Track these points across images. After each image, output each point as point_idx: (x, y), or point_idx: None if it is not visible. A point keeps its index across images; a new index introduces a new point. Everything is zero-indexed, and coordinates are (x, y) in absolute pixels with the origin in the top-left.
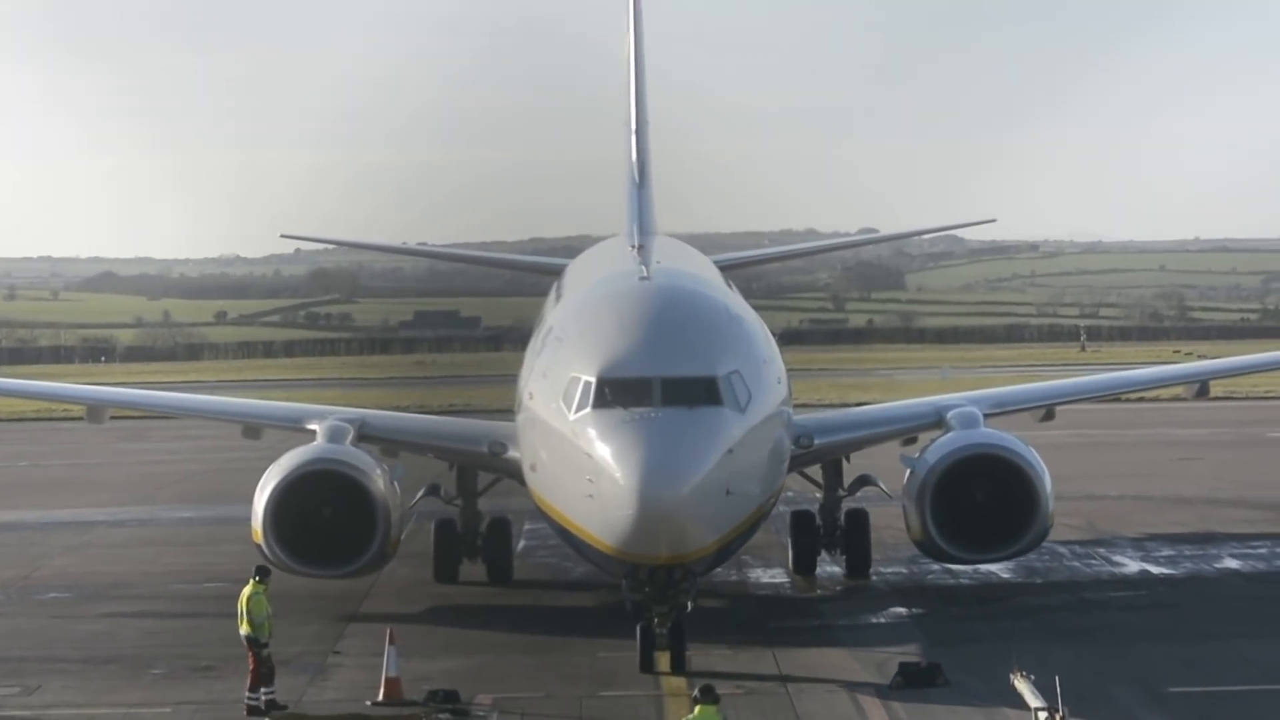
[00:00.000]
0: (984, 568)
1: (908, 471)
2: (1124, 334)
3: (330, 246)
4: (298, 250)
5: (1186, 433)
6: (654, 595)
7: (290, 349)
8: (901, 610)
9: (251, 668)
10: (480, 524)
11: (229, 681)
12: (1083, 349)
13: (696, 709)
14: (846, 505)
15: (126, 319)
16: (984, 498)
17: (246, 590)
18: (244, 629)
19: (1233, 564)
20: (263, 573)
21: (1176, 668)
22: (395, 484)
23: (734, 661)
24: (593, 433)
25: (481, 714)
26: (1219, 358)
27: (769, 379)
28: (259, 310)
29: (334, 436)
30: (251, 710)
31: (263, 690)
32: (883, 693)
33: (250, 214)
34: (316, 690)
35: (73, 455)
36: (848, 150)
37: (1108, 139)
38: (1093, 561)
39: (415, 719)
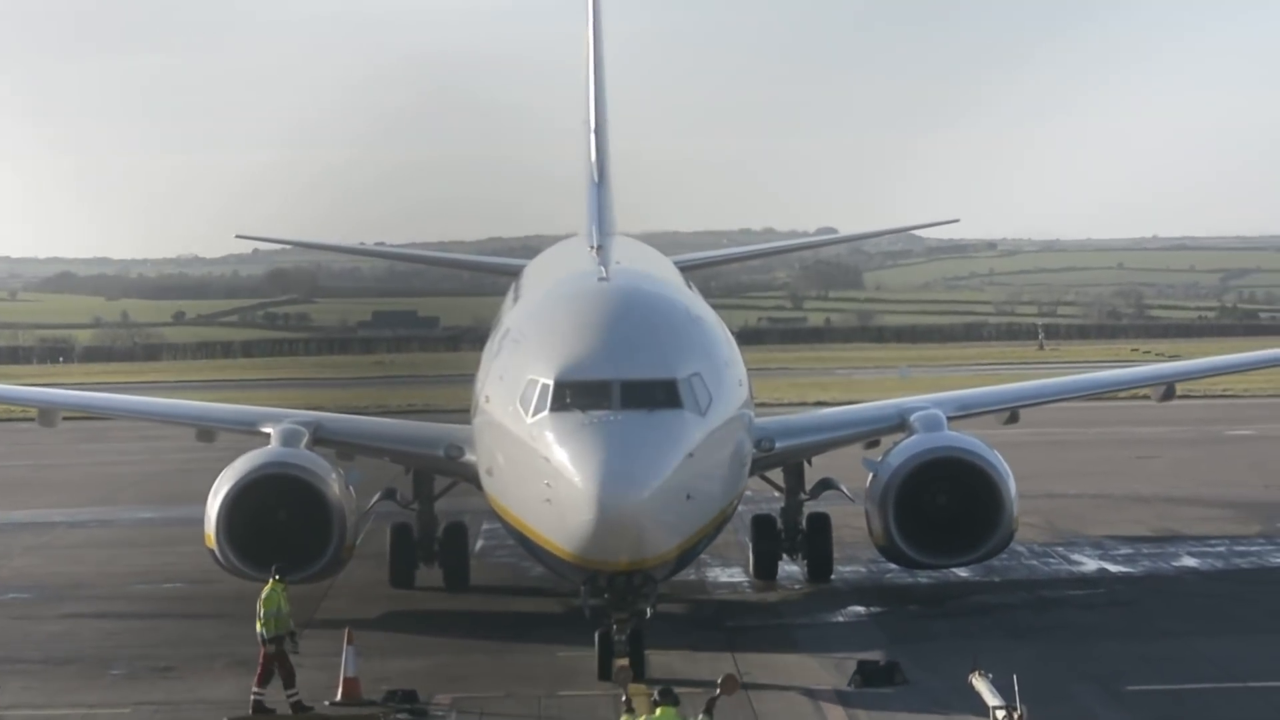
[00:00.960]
0: None
1: (870, 475)
2: (1082, 332)
3: (289, 247)
4: (256, 250)
5: (1145, 431)
6: (613, 602)
7: (249, 349)
8: (860, 609)
9: (260, 665)
10: (437, 529)
11: (188, 682)
12: (1041, 347)
13: (657, 711)
14: (808, 509)
15: (85, 319)
16: (948, 502)
17: (267, 590)
18: (259, 626)
19: (1191, 562)
20: (281, 571)
21: (1135, 665)
22: (350, 488)
23: (692, 661)
24: (550, 436)
25: (440, 714)
26: (1178, 355)
27: (730, 381)
28: (217, 310)
29: (288, 440)
30: (257, 707)
31: (286, 692)
32: (841, 692)
33: (208, 214)
34: (275, 689)
35: (31, 456)
36: (805, 149)
37: (1066, 137)
38: (1051, 560)
39: (374, 719)
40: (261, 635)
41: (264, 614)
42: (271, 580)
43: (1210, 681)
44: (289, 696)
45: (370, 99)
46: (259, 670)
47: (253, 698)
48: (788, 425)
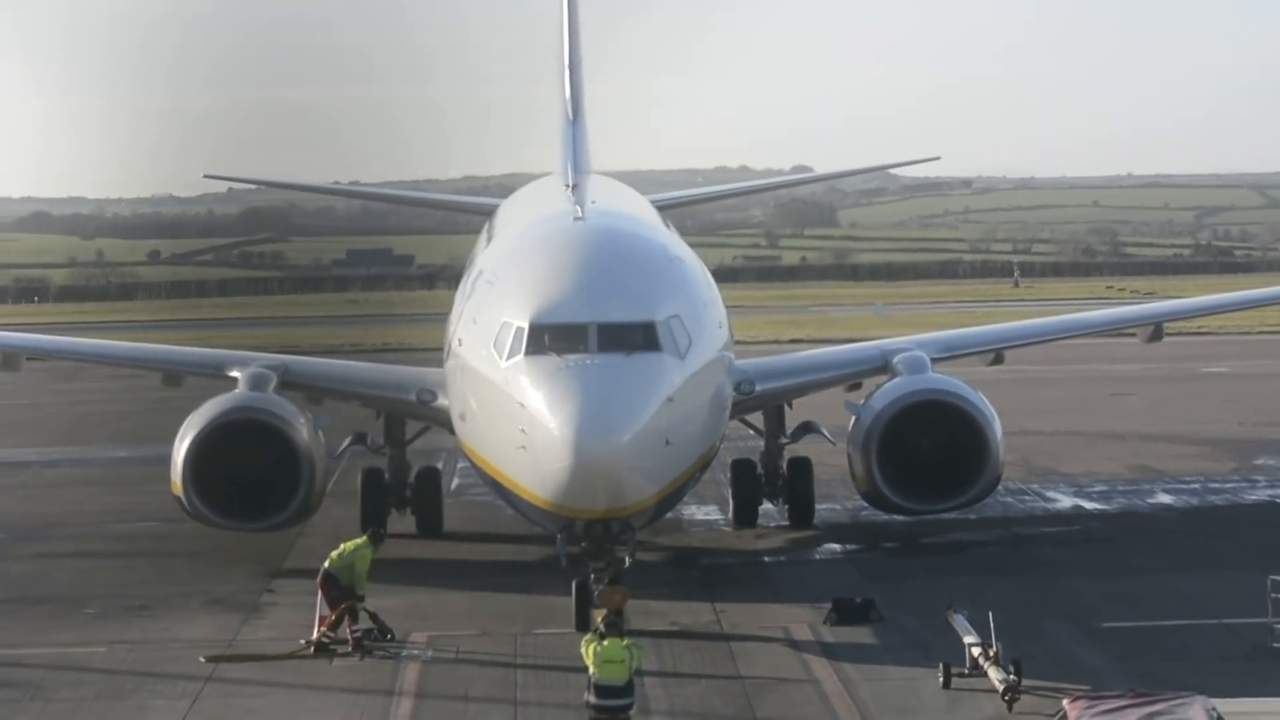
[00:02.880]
0: None
1: (853, 419)
2: (1057, 270)
3: (264, 186)
4: (230, 190)
5: (1120, 368)
6: (590, 550)
7: (223, 288)
8: (836, 547)
9: (334, 614)
10: (409, 474)
11: (163, 620)
12: (1016, 285)
13: (605, 641)
14: (789, 453)
15: (60, 259)
16: (932, 446)
17: (358, 542)
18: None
19: (1166, 499)
20: (377, 534)
21: (1110, 603)
22: (319, 433)
23: (669, 599)
24: (525, 381)
25: (416, 651)
26: (1154, 293)
27: (709, 323)
28: (192, 250)
29: (256, 384)
30: (357, 644)
31: (323, 632)
32: (817, 629)
33: (183, 154)
34: (251, 629)
35: (4, 396)
36: (781, 87)
37: (1041, 75)
38: (1026, 498)
39: (354, 643)
40: (326, 573)
41: (355, 572)
42: (367, 537)
43: (1185, 618)
44: (323, 635)
45: (343, 36)
46: (332, 617)
47: (351, 637)
48: (768, 367)
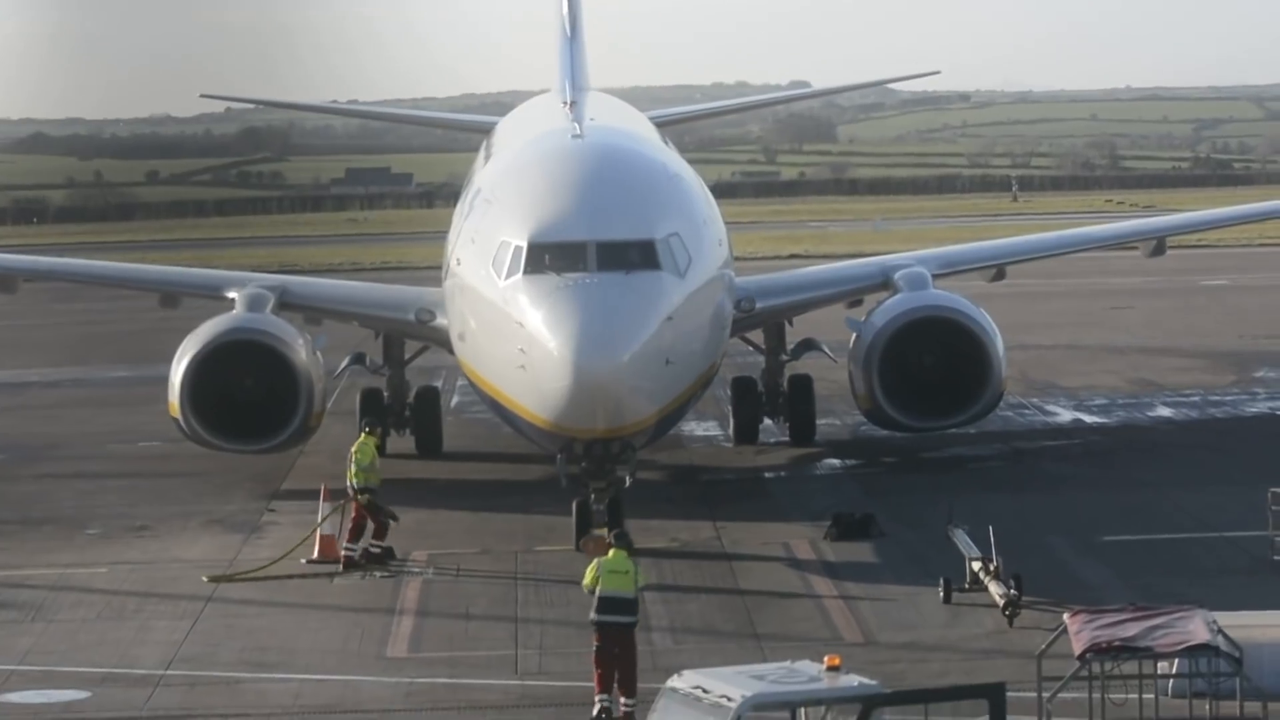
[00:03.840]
0: None
1: (854, 335)
2: (1056, 184)
3: (261, 106)
4: (228, 109)
5: (1119, 281)
6: (590, 470)
7: (222, 208)
8: (836, 463)
9: (353, 518)
10: (408, 394)
11: (164, 541)
12: (1015, 199)
13: (610, 553)
14: (789, 370)
15: (58, 180)
16: (934, 363)
17: (357, 441)
18: (350, 477)
19: (1165, 412)
20: (372, 425)
21: (1110, 516)
22: (318, 354)
23: (669, 516)
24: (524, 300)
25: (417, 570)
26: (1153, 206)
27: (709, 241)
28: (190, 170)
29: (253, 305)
30: (347, 561)
31: (372, 543)
32: (817, 544)
33: (180, 74)
34: (251, 549)
35: (3, 317)
36: (779, 1)
37: None
38: (1026, 411)
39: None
40: (352, 487)
41: (356, 465)
42: (364, 432)
43: (1185, 531)
44: (371, 546)
45: None
46: (350, 525)
47: (343, 553)
48: (768, 285)
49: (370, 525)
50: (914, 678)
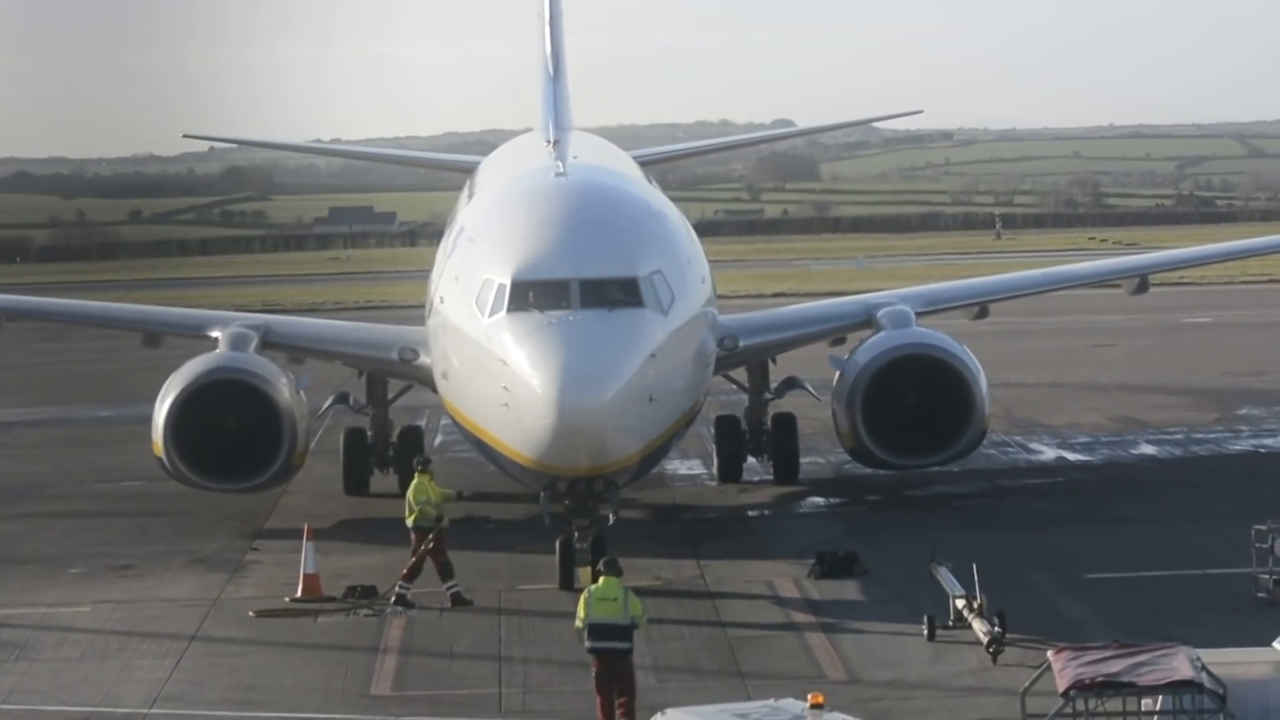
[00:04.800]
0: None
1: (837, 374)
2: (1039, 221)
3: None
4: (211, 149)
5: (1102, 319)
6: (574, 508)
7: (205, 247)
8: (819, 500)
9: (412, 560)
10: (391, 433)
11: (147, 580)
12: (998, 237)
13: (600, 580)
14: (773, 408)
15: (41, 218)
16: (917, 400)
17: (412, 483)
18: (409, 519)
19: (1149, 450)
20: (424, 463)
21: (1094, 554)
22: (301, 393)
23: (653, 554)
24: (507, 338)
25: (400, 609)
26: (1136, 244)
27: (692, 279)
28: (173, 209)
29: (237, 344)
30: (400, 600)
31: (444, 585)
32: (801, 582)
33: (163, 113)
34: (235, 587)
35: None
36: (761, 40)
37: (1021, 26)
38: (1009, 449)
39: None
40: (419, 528)
41: (417, 503)
42: (417, 472)
43: (1169, 569)
44: (448, 589)
45: None
46: (409, 565)
47: (397, 591)
48: (752, 323)
49: (422, 563)
50: (898, 715)
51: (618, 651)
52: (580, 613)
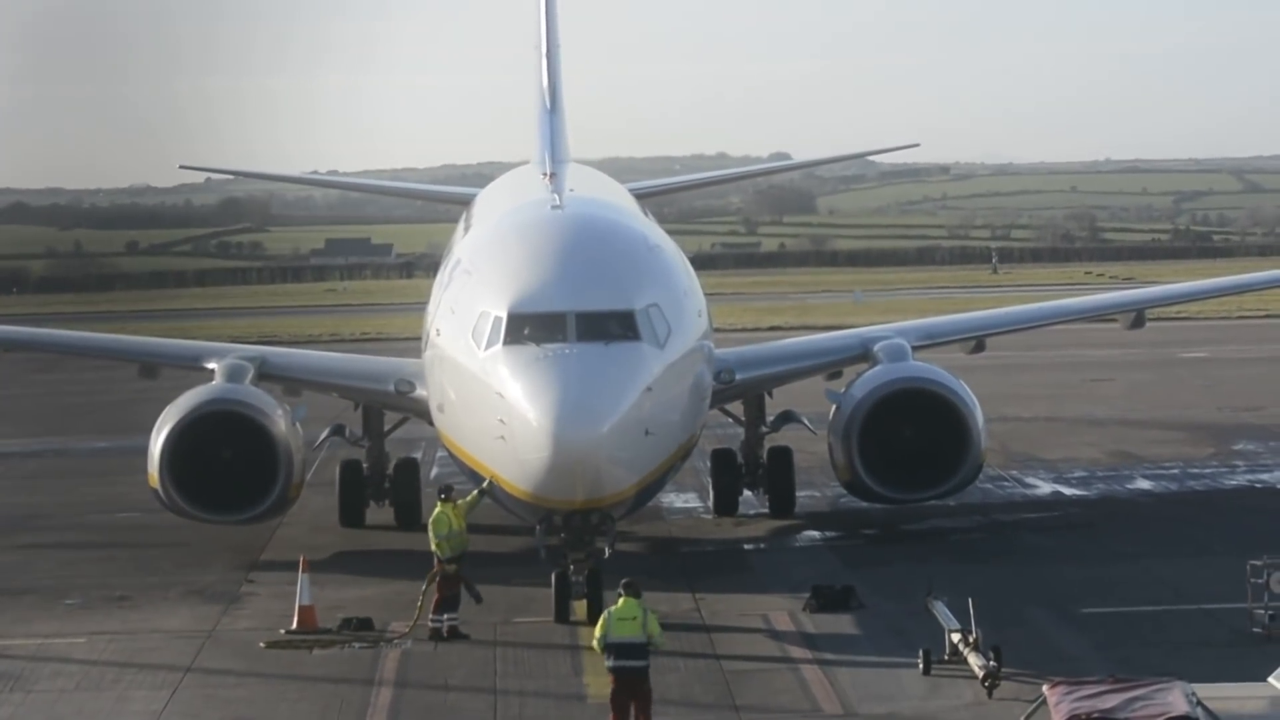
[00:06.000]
0: None
1: (833, 407)
2: (1036, 255)
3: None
4: (208, 180)
5: (1098, 354)
6: (570, 542)
7: (202, 278)
8: (815, 534)
9: (437, 592)
10: (387, 465)
11: (144, 611)
12: (995, 271)
13: (620, 601)
14: (769, 442)
15: (37, 250)
16: (913, 434)
17: (434, 512)
18: (434, 548)
19: (1145, 484)
20: (446, 491)
21: (1089, 589)
22: (297, 425)
23: (648, 588)
24: (504, 371)
25: (396, 641)
26: (1133, 278)
27: (689, 312)
28: (170, 240)
29: (233, 376)
30: (433, 633)
31: (445, 616)
32: (797, 616)
33: (160, 144)
34: (231, 619)
35: None
36: (758, 73)
37: (1018, 60)
38: (1005, 484)
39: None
40: (439, 558)
41: (435, 537)
42: (439, 501)
43: (1164, 604)
44: (448, 620)
45: (322, 24)
46: (436, 597)
47: (430, 624)
48: (748, 356)
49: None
50: None
51: (636, 670)
52: (598, 632)
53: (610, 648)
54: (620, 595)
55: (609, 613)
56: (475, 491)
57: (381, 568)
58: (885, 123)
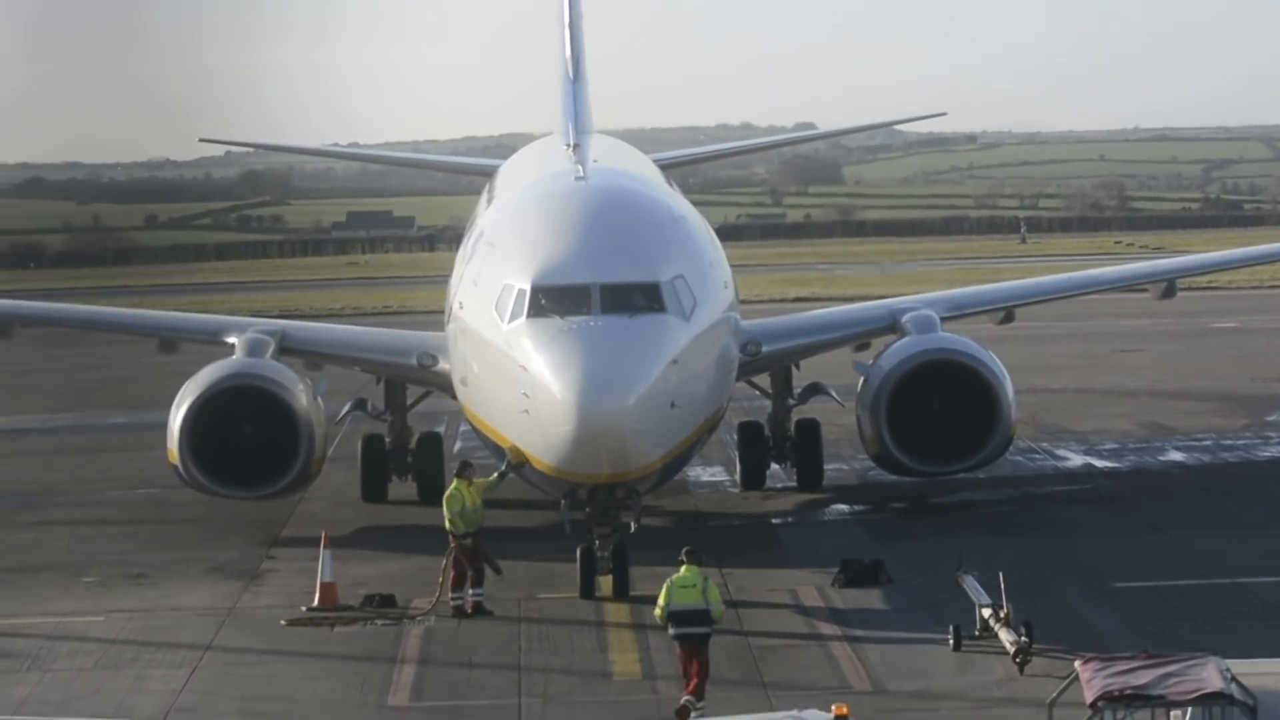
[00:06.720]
0: None
1: (861, 379)
2: (1064, 225)
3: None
4: (228, 153)
5: (1128, 324)
6: (595, 516)
7: (221, 252)
8: (844, 508)
9: (453, 568)
10: (410, 439)
11: (162, 588)
12: (1023, 241)
13: (682, 569)
14: (796, 415)
15: (55, 224)
16: (942, 406)
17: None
18: (447, 525)
19: (1177, 456)
20: (464, 467)
21: (1121, 562)
22: (319, 399)
23: (674, 563)
24: (528, 344)
25: (419, 618)
26: (1162, 248)
27: (715, 283)
28: (189, 214)
29: (253, 350)
30: (456, 610)
31: (470, 591)
32: (825, 591)
33: (179, 118)
34: (251, 596)
35: (0, 362)
36: (783, 42)
37: (1045, 27)
38: (1036, 456)
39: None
40: (453, 535)
41: (449, 513)
42: (455, 477)
43: (1197, 577)
44: (473, 595)
45: None
46: (453, 573)
47: (451, 603)
48: (775, 328)
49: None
50: None
51: (698, 636)
52: (661, 601)
53: (673, 615)
54: (682, 562)
55: (670, 581)
56: (495, 475)
57: (404, 543)
58: (912, 92)
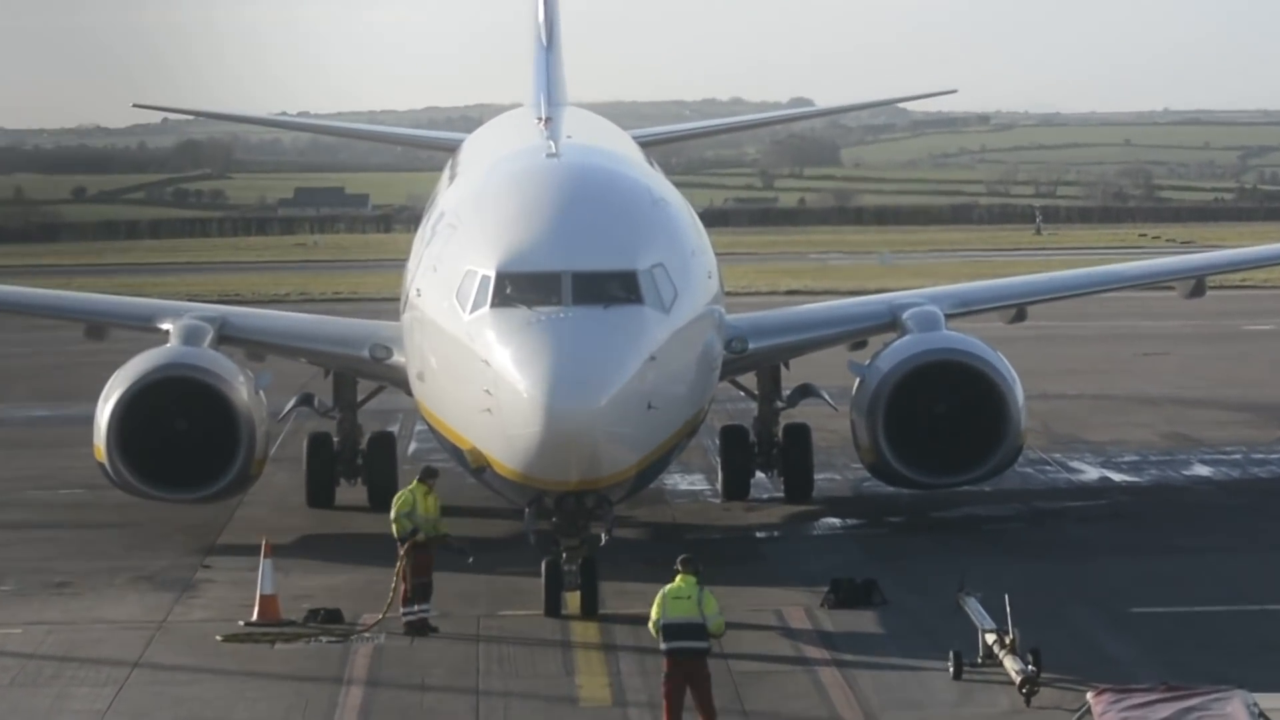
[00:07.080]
0: None
1: (857, 381)
2: (1084, 215)
3: (201, 117)
4: (165, 120)
5: (1152, 325)
6: (562, 527)
7: (156, 229)
8: (835, 521)
9: (403, 582)
10: (360, 439)
11: (86, 599)
12: (1039, 232)
13: (678, 579)
14: (784, 419)
15: None
16: (946, 412)
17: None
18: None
19: (1203, 470)
20: (428, 474)
21: (1139, 586)
22: (260, 393)
23: (649, 579)
24: (491, 336)
25: (367, 636)
26: (1192, 241)
27: (697, 273)
28: (122, 186)
29: (190, 338)
30: (408, 627)
31: (416, 606)
32: (813, 612)
33: (111, 80)
34: (184, 609)
35: None
36: (778, 9)
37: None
38: (1048, 468)
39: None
40: (398, 540)
41: (395, 513)
42: (415, 482)
43: (1222, 604)
44: (419, 610)
45: None
46: (404, 586)
47: (403, 618)
48: (763, 323)
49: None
50: None
51: (693, 651)
52: (654, 614)
53: (665, 629)
54: (677, 572)
55: (664, 592)
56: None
57: (352, 553)
58: (918, 66)
